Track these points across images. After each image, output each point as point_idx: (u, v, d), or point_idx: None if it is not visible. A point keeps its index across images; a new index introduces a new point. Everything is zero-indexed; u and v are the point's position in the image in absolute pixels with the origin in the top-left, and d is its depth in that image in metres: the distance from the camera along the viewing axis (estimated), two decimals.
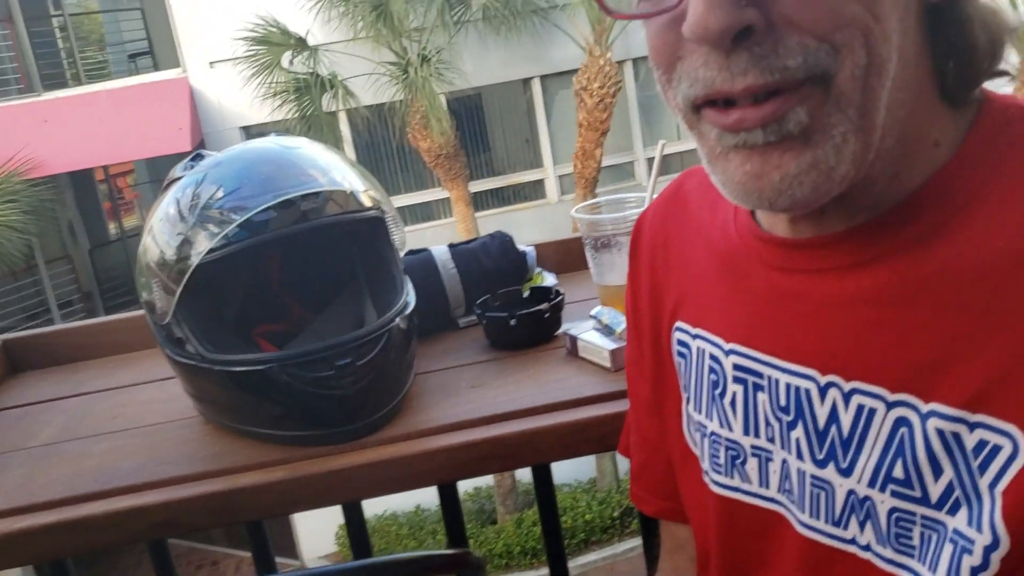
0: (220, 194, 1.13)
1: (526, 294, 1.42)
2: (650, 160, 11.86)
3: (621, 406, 1.03)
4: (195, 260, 1.10)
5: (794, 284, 0.67)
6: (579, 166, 10.55)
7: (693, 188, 0.84)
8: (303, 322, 1.25)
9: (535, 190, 12.33)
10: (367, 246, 1.23)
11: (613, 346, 1.20)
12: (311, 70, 9.98)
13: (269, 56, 9.87)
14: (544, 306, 1.33)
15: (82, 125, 10.60)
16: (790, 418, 0.68)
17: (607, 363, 1.20)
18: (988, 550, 0.56)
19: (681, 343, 0.81)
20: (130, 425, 1.26)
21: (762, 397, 0.70)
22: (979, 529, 0.56)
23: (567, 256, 1.61)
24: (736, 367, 0.73)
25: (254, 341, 1.20)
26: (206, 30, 10.92)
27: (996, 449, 0.56)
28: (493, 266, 1.45)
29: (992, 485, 0.56)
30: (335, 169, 1.18)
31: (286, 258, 1.23)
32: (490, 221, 10.75)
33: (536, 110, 11.86)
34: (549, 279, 1.52)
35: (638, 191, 1.38)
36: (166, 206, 1.17)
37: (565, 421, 1.11)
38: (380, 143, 11.46)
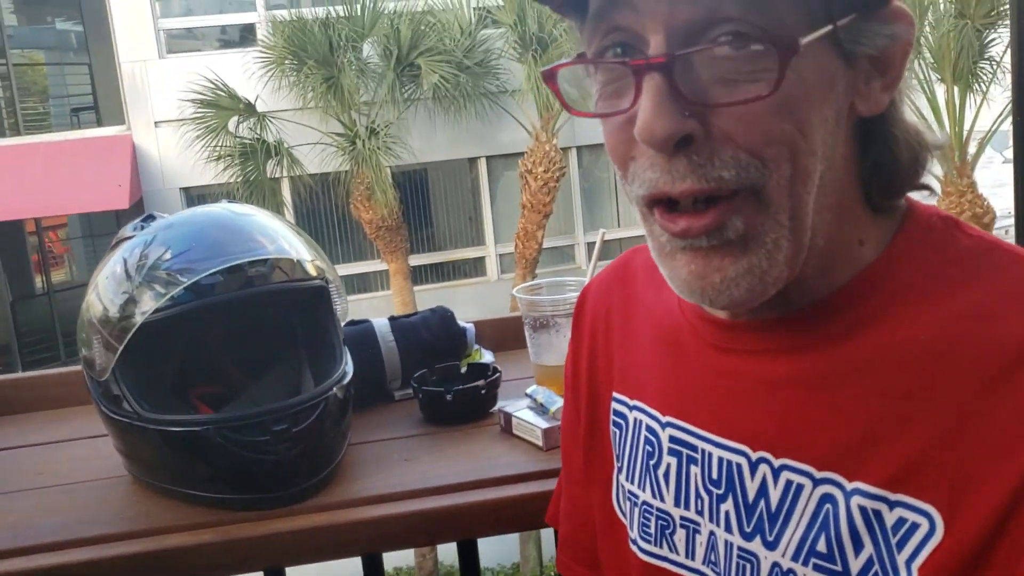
0: (168, 256, 1.15)
1: (463, 370, 1.45)
2: (590, 244, 12.07)
3: (551, 484, 1.05)
4: (139, 319, 1.11)
5: (731, 363, 0.72)
6: (520, 246, 10.69)
7: (640, 265, 0.88)
8: (240, 386, 1.26)
9: (475, 267, 12.43)
10: (309, 314, 1.25)
11: (546, 425, 1.23)
12: (257, 136, 10.01)
13: (216, 119, 9.89)
14: (481, 383, 1.36)
15: (18, 175, 10.43)
16: (721, 491, 0.71)
17: (539, 441, 1.23)
18: None
19: (618, 413, 0.84)
20: (56, 482, 1.24)
21: (695, 470, 0.74)
22: None
23: (505, 334, 1.65)
24: (672, 439, 0.76)
25: (191, 402, 1.21)
26: (153, 89, 10.93)
27: (914, 527, 0.60)
28: (432, 340, 1.48)
29: (909, 561, 0.60)
30: (283, 237, 1.21)
31: (229, 322, 1.25)
32: (428, 296, 10.78)
33: (481, 189, 12.04)
34: (487, 356, 1.55)
35: (578, 274, 1.43)
36: (113, 264, 1.18)
37: (495, 497, 1.13)
38: (322, 211, 11.48)
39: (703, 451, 0.74)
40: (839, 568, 0.64)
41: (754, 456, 0.69)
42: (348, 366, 1.25)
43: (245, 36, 11.86)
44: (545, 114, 10.13)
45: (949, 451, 0.59)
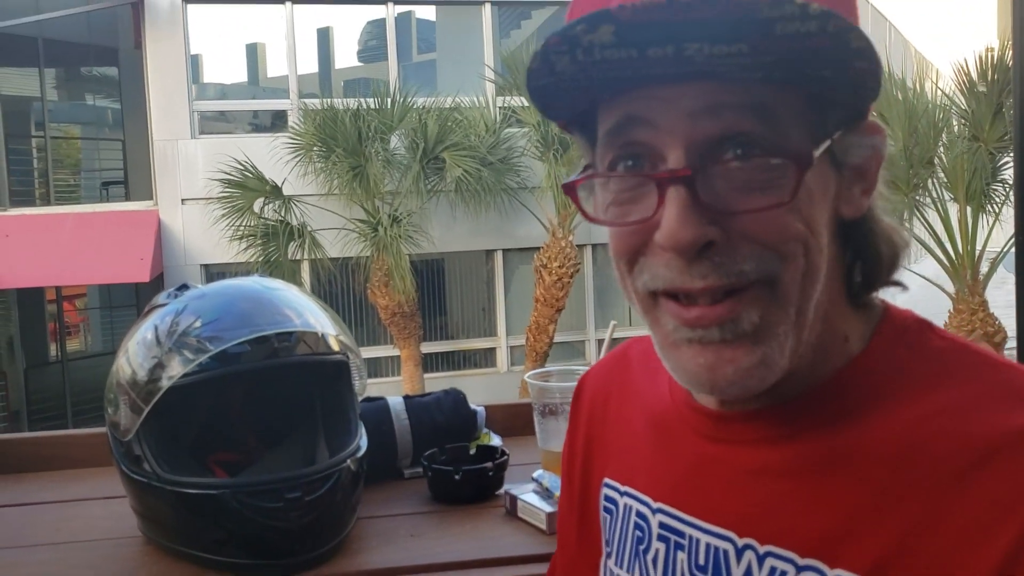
0: (199, 324, 1.21)
1: (472, 451, 1.49)
2: (600, 340, 12.11)
3: None
4: (166, 383, 1.16)
5: (719, 452, 0.75)
6: (532, 339, 10.74)
7: (636, 355, 0.92)
8: (257, 453, 1.30)
9: (486, 358, 12.46)
10: (329, 388, 1.30)
11: (551, 509, 1.26)
12: (281, 218, 10.21)
13: (242, 200, 10.11)
14: (489, 464, 1.39)
15: (44, 244, 10.64)
16: None
17: (543, 525, 1.26)
18: None
19: (609, 499, 0.87)
20: (72, 538, 1.28)
21: (681, 556, 0.76)
22: None
23: (514, 420, 1.69)
24: (661, 525, 0.79)
25: (208, 467, 1.25)
26: (183, 167, 11.20)
27: None
28: (444, 421, 1.52)
29: None
30: (310, 312, 1.27)
31: (251, 390, 1.30)
32: (439, 383, 10.76)
33: (496, 280, 12.17)
34: (495, 439, 1.59)
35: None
36: (145, 330, 1.24)
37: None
38: (338, 294, 11.60)
39: (691, 537, 0.76)
40: None
41: (740, 543, 0.71)
42: (363, 440, 1.29)
43: (276, 122, 12.21)
44: (563, 211, 10.31)
45: (927, 540, 0.62)
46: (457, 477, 1.37)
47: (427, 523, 1.32)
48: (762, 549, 0.70)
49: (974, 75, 8.88)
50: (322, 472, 1.18)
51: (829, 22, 0.57)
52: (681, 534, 0.77)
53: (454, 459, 1.45)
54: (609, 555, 0.86)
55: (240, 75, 13.22)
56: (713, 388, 0.68)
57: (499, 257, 12.04)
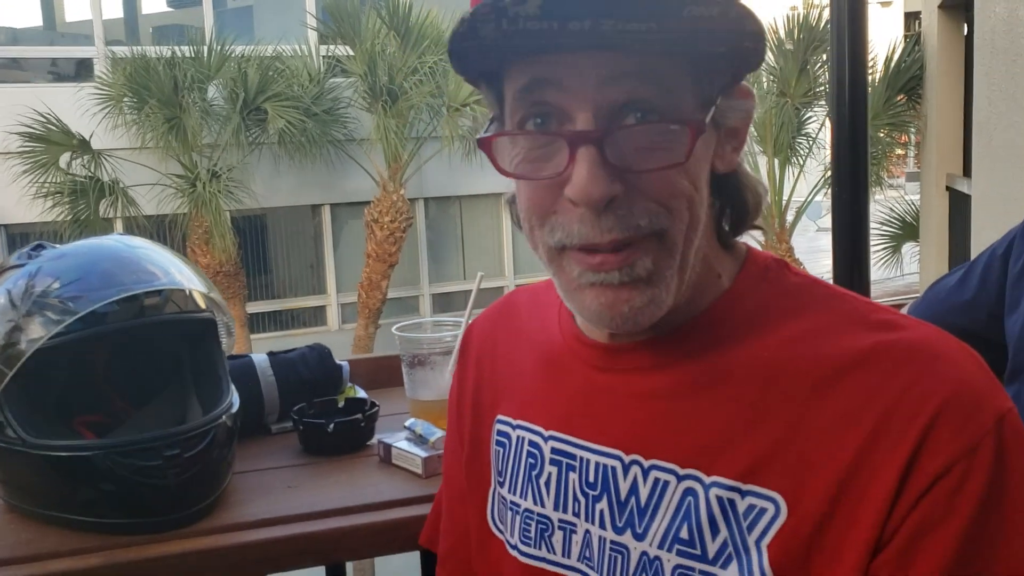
0: (57, 285, 1.17)
1: (341, 404, 1.51)
2: (435, 296, 12.19)
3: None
4: (29, 347, 1.12)
5: (608, 380, 0.83)
6: (364, 296, 10.66)
7: (523, 302, 1.00)
8: (123, 415, 1.28)
9: (316, 316, 12.27)
10: (198, 345, 1.29)
11: (426, 454, 1.31)
12: (91, 174, 9.62)
13: (46, 155, 9.44)
14: (360, 416, 1.42)
15: None
16: (596, 492, 0.82)
17: (419, 470, 1.31)
18: None
19: (501, 434, 0.93)
20: None
21: (573, 476, 0.84)
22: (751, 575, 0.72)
23: (377, 373, 1.72)
24: (553, 451, 0.86)
25: (75, 430, 1.22)
26: None
27: (762, 511, 0.72)
28: (310, 376, 1.54)
29: (759, 540, 0.72)
30: (176, 269, 1.25)
31: (118, 351, 1.27)
32: (266, 344, 10.55)
33: (324, 236, 11.95)
34: (361, 393, 1.62)
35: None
36: (17, 278, 1.19)
37: (380, 520, 1.20)
38: None
39: (581, 458, 0.84)
40: (698, 552, 0.75)
41: (627, 459, 0.80)
42: (234, 397, 1.29)
43: (80, 71, 11.40)
44: (393, 164, 10.23)
45: (789, 446, 0.72)
46: (330, 429, 1.39)
47: (303, 475, 1.34)
48: (647, 463, 0.79)
49: (782, 34, 9.45)
50: (200, 428, 1.18)
51: (731, 8, 0.65)
52: (572, 456, 0.84)
53: (323, 412, 1.47)
54: (501, 484, 0.93)
55: (34, 19, 12.24)
56: (611, 323, 0.76)
57: (327, 212, 11.82)
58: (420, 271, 12.31)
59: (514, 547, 0.89)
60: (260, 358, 1.52)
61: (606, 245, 0.72)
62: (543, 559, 0.86)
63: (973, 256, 1.58)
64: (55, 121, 9.48)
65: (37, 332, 1.14)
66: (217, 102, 9.98)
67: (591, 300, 0.75)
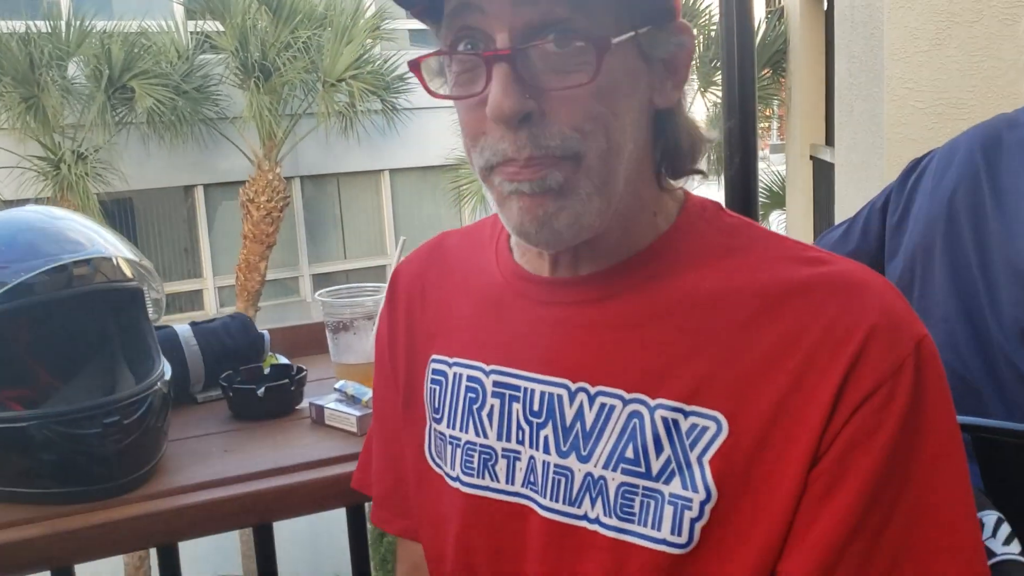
0: None
1: (267, 371, 1.53)
2: (315, 276, 12.00)
3: None
4: None
5: (552, 314, 0.88)
6: (242, 278, 10.41)
7: (453, 245, 1.03)
8: (51, 389, 1.26)
9: (192, 300, 11.91)
10: (127, 315, 1.28)
11: (359, 413, 1.35)
12: None
13: None
14: (288, 380, 1.45)
15: None
16: (541, 420, 0.86)
17: (354, 428, 1.34)
18: (703, 503, 0.78)
19: (437, 372, 0.96)
20: None
21: (516, 406, 0.88)
22: (695, 490, 0.78)
23: (296, 341, 1.74)
24: (496, 384, 0.90)
25: (3, 403, 1.20)
26: None
27: (704, 429, 0.78)
28: (233, 344, 1.55)
29: (701, 456, 0.78)
30: (101, 237, 1.24)
31: (44, 323, 1.25)
32: None
33: (198, 218, 11.60)
34: (284, 361, 1.63)
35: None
36: None
37: (319, 477, 1.24)
38: None
39: (525, 389, 0.87)
40: (643, 469, 0.79)
41: (574, 387, 0.84)
42: (166, 366, 1.29)
43: None
44: (268, 142, 10.00)
45: (730, 370, 0.79)
46: (260, 394, 1.41)
47: (236, 439, 1.36)
48: (593, 390, 0.84)
49: None
50: (138, 395, 1.19)
51: None
52: (516, 388, 0.88)
53: (251, 379, 1.48)
54: (439, 420, 0.95)
55: None
56: (532, 228, 0.80)
57: (200, 193, 11.46)
58: (299, 251, 12.10)
59: (456, 479, 0.92)
60: (183, 328, 1.52)
61: (521, 161, 0.77)
62: (487, 487, 0.89)
63: (837, 220, 1.71)
64: None
65: None
66: (79, 80, 9.52)
67: (514, 209, 0.80)
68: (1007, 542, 0.90)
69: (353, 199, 12.31)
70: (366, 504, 1.36)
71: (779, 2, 9.62)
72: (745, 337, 0.79)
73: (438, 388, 0.96)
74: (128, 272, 1.28)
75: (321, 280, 12.11)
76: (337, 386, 1.43)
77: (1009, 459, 1.18)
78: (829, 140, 6.90)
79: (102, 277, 1.23)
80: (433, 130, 10.99)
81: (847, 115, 5.23)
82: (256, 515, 1.22)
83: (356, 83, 10.01)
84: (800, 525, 0.76)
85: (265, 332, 1.63)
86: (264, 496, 1.20)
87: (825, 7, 7.24)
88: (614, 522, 0.81)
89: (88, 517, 1.13)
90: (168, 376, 1.28)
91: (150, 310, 1.33)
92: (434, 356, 0.97)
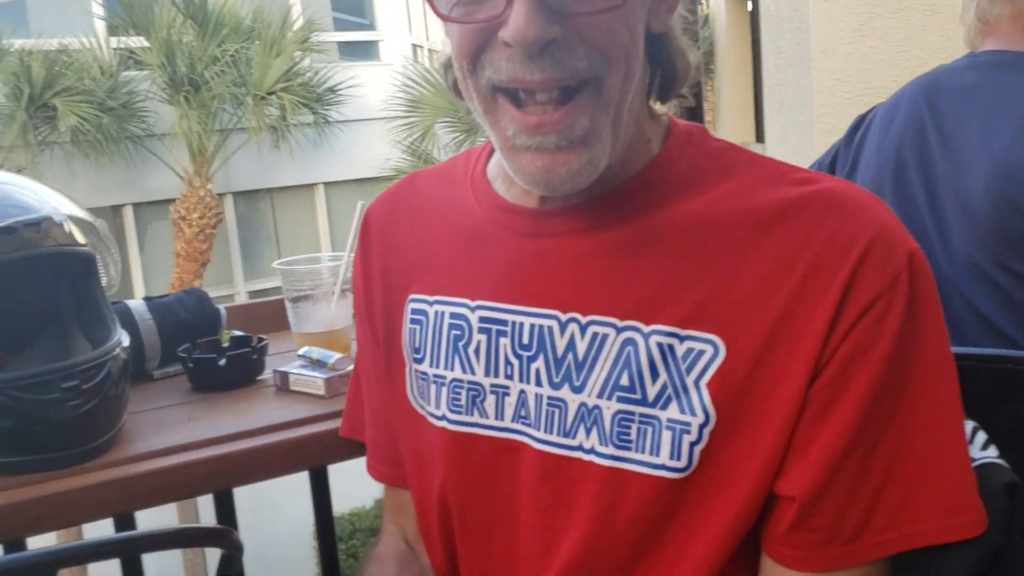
0: None
1: (226, 344, 1.49)
2: (251, 292, 11.80)
3: (337, 424, 1.14)
4: None
5: (540, 246, 0.85)
6: None
7: (425, 181, 1.00)
8: (0, 358, 1.21)
9: None
10: (79, 282, 1.24)
11: (327, 375, 1.32)
12: None
13: None
14: (250, 348, 1.41)
15: None
16: (531, 353, 0.84)
17: (321, 391, 1.31)
18: (701, 427, 0.77)
19: (417, 311, 0.94)
20: None
21: (504, 341, 0.86)
22: (693, 413, 0.77)
23: (253, 317, 1.70)
24: (482, 319, 0.87)
25: None
26: None
27: (701, 353, 0.77)
28: (189, 318, 1.50)
29: (698, 380, 0.77)
30: (53, 199, 1.20)
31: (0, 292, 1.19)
32: None
33: (128, 238, 11.32)
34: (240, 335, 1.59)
35: None
36: None
37: (290, 438, 1.20)
38: None
39: (513, 323, 0.84)
40: (639, 396, 0.78)
41: (564, 318, 0.82)
42: (124, 335, 1.25)
43: None
44: (199, 158, 9.83)
45: (726, 293, 0.78)
46: (222, 363, 1.38)
47: (199, 409, 1.32)
48: (585, 320, 0.82)
49: None
50: (96, 360, 1.14)
51: None
52: (503, 322, 0.86)
53: (211, 351, 1.44)
54: (420, 360, 0.93)
55: None
56: (548, 187, 0.78)
57: (129, 212, 11.20)
58: (233, 268, 11.90)
59: (441, 418, 0.90)
60: (136, 303, 1.47)
61: (539, 85, 0.74)
62: (475, 424, 0.88)
63: None
64: None
65: None
66: None
67: (527, 163, 0.77)
68: (984, 447, 0.92)
69: (287, 213, 12.16)
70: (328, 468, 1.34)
71: (704, 9, 9.80)
72: (740, 259, 0.78)
73: (418, 328, 0.93)
74: (81, 239, 1.23)
75: (257, 297, 11.91)
76: (301, 352, 1.40)
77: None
78: (760, 136, 7.03)
79: (52, 241, 1.18)
80: (366, 142, 10.93)
81: (777, 109, 5.33)
82: (224, 479, 1.19)
83: (287, 96, 9.91)
84: (799, 443, 0.76)
85: (222, 308, 1.59)
86: (230, 459, 1.16)
87: (750, 7, 7.40)
88: (610, 450, 0.80)
89: (47, 486, 1.08)
90: (126, 344, 1.23)
91: (103, 279, 1.28)
92: (412, 296, 0.94)
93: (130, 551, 1.00)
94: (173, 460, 1.15)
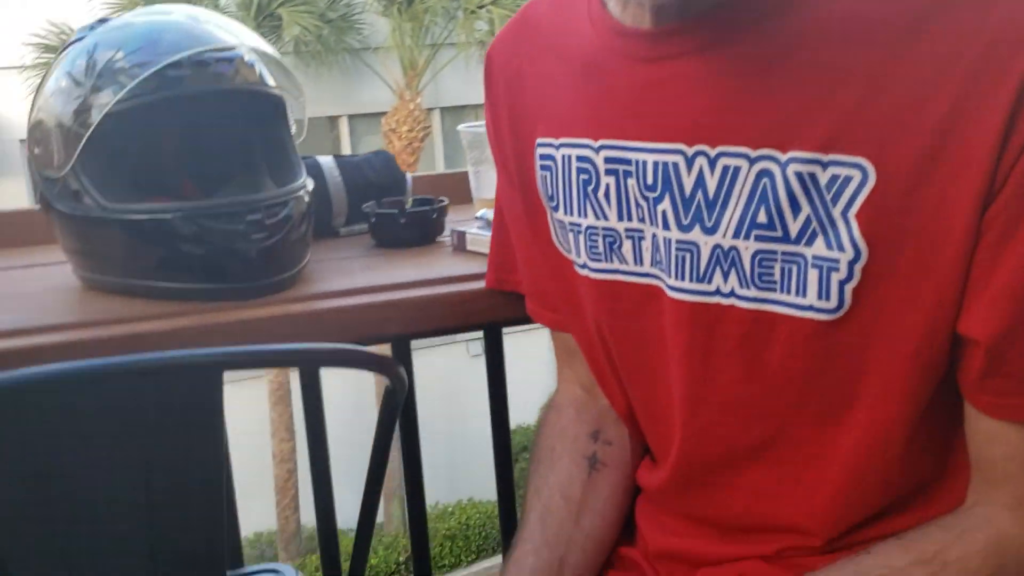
0: (121, 55, 1.13)
1: (409, 205, 1.48)
2: None
3: None
4: (97, 115, 1.09)
5: (660, 71, 0.75)
6: None
7: (542, 13, 0.91)
8: (200, 187, 1.24)
9: None
10: (271, 122, 1.25)
11: None
12: None
13: None
14: (430, 207, 1.40)
15: None
16: (656, 194, 0.76)
17: None
18: (852, 263, 0.67)
19: (545, 156, 0.87)
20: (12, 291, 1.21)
21: (631, 182, 0.78)
22: (841, 249, 0.68)
23: (438, 188, 1.68)
24: (607, 160, 0.80)
25: (152, 200, 1.19)
26: None
27: (848, 180, 0.67)
28: (376, 178, 1.51)
29: (845, 211, 0.67)
30: (249, 37, 1.21)
31: (189, 121, 1.21)
32: None
33: (342, 149, 11.86)
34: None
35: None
36: (56, 80, 1.17)
37: (464, 290, 1.18)
38: None
39: (637, 161, 0.77)
40: (779, 233, 0.70)
41: (690, 151, 0.73)
42: (309, 181, 1.26)
43: None
44: (409, 72, 10.09)
45: (873, 108, 0.66)
46: (403, 220, 1.37)
47: (378, 262, 1.32)
48: (714, 152, 0.72)
49: None
50: (280, 198, 1.16)
51: None
52: (628, 161, 0.78)
53: (393, 208, 1.44)
54: (555, 208, 0.87)
55: None
56: None
57: (344, 123, 11.71)
58: None
59: (583, 266, 0.86)
60: (326, 159, 1.49)
61: None
62: (616, 271, 0.83)
63: None
64: (68, 30, 9.35)
65: (107, 98, 1.10)
66: (230, 9, 9.81)
67: None
68: None
69: None
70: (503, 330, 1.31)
71: None
72: (891, 64, 0.66)
73: (548, 174, 0.87)
74: (271, 80, 1.24)
75: None
76: (478, 214, 1.37)
77: None
78: None
79: (242, 80, 1.20)
80: None
81: None
82: (397, 325, 1.18)
83: (496, 10, 9.93)
84: (978, 275, 0.65)
85: (408, 173, 1.59)
86: (405, 305, 1.16)
87: None
88: (753, 292, 0.73)
89: (234, 314, 1.10)
90: (310, 188, 1.24)
91: (292, 126, 1.29)
92: (539, 140, 0.88)
93: (297, 362, 1.01)
94: (351, 301, 1.15)
